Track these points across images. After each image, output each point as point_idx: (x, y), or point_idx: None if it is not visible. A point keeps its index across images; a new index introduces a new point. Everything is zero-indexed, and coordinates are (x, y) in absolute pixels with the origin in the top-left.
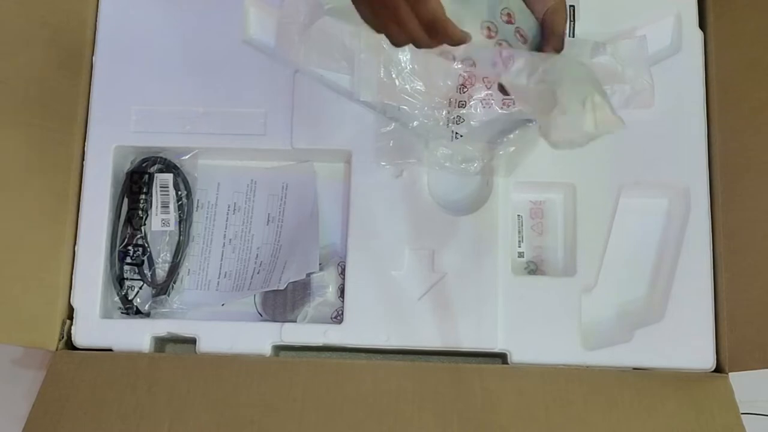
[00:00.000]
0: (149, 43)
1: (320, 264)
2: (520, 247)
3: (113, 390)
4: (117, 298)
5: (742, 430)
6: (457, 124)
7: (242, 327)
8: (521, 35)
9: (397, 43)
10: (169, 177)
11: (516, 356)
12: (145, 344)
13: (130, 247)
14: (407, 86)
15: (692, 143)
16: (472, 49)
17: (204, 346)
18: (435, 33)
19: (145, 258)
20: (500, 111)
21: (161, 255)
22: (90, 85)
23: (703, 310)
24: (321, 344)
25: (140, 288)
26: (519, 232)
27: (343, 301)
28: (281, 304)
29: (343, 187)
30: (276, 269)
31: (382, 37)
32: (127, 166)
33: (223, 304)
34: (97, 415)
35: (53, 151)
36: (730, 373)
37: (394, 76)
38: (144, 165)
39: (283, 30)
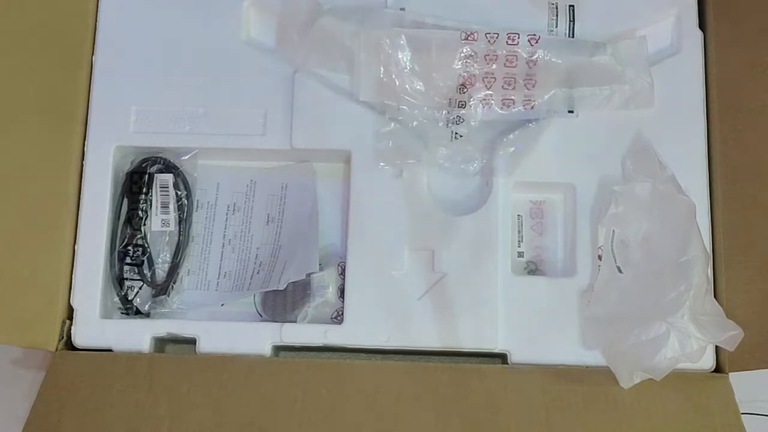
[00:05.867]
0: (149, 43)
1: (320, 264)
2: (519, 247)
3: (113, 390)
4: (117, 299)
5: (742, 430)
6: (457, 124)
7: (242, 327)
8: None
9: None
10: (169, 177)
11: (516, 356)
12: (145, 344)
13: (129, 248)
14: (407, 86)
15: (692, 143)
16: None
17: (204, 346)
18: None
19: (144, 258)
20: (500, 111)
21: (161, 255)
22: (90, 85)
23: None
24: (321, 344)
25: (140, 288)
26: (519, 232)
27: (343, 302)
28: (281, 304)
29: (343, 187)
30: (276, 269)
31: (383, 36)
32: (127, 167)
33: (222, 305)
34: (97, 415)
35: (53, 151)
36: (730, 373)
37: (394, 76)
38: (144, 165)
39: (283, 30)
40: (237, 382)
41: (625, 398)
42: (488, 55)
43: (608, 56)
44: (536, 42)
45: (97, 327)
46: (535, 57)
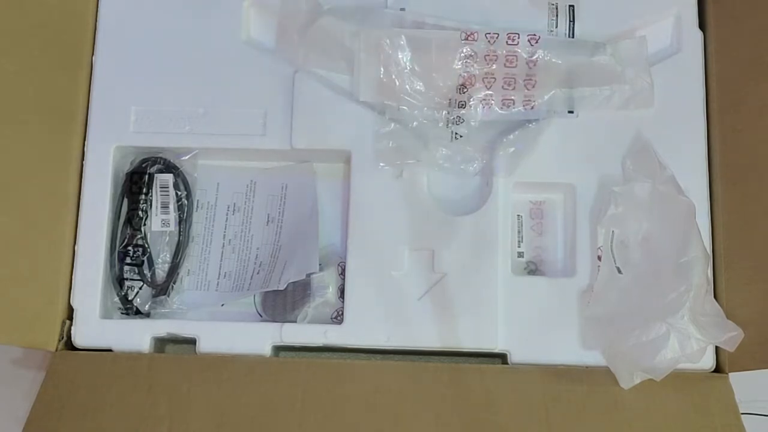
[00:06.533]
0: (149, 43)
1: (320, 264)
2: (519, 247)
3: (113, 390)
4: (117, 299)
5: (742, 430)
6: (457, 124)
7: (242, 327)
8: None
9: None
10: (169, 177)
11: (516, 356)
12: (144, 344)
13: (129, 248)
14: (407, 86)
15: (692, 143)
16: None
17: (204, 346)
18: None
19: (144, 258)
20: (500, 111)
21: (161, 255)
22: (90, 85)
23: None
24: (321, 344)
25: (140, 288)
26: (519, 232)
27: (343, 302)
28: (281, 304)
29: (343, 187)
30: (276, 269)
31: (383, 36)
32: (127, 167)
33: (222, 305)
34: (97, 415)
35: (53, 151)
36: (730, 373)
37: (394, 76)
38: (144, 165)
39: (283, 30)
40: (237, 382)
41: (625, 398)
42: (488, 55)
43: (608, 56)
44: (536, 42)
45: (97, 327)
46: (535, 57)
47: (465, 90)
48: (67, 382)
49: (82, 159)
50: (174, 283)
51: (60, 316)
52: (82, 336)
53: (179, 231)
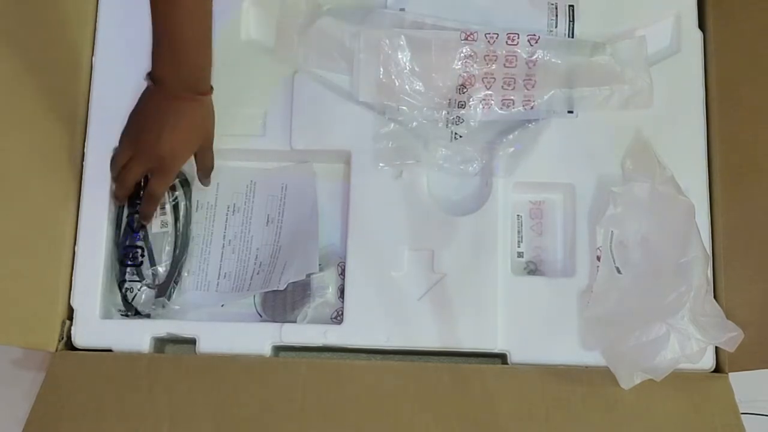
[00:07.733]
0: (149, 43)
1: (320, 265)
2: (519, 247)
3: (113, 390)
4: (117, 299)
5: (742, 430)
6: (457, 124)
7: (242, 327)
8: None
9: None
10: None
11: (516, 356)
12: (144, 345)
13: (129, 249)
14: (407, 86)
15: (692, 143)
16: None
17: (204, 346)
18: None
19: (145, 259)
20: (500, 111)
21: (161, 256)
22: (90, 85)
23: None
24: (321, 345)
25: (140, 289)
26: (518, 232)
27: (343, 302)
28: (281, 304)
29: (343, 187)
30: (275, 270)
31: (382, 36)
32: None
33: (222, 305)
34: (97, 415)
35: (53, 151)
36: (730, 373)
37: (393, 76)
38: None
39: (283, 30)
40: (237, 382)
41: (625, 398)
42: (488, 55)
43: (608, 56)
44: (536, 42)
45: (97, 327)
46: (534, 57)
47: (465, 90)
48: (67, 383)
49: (82, 159)
50: (174, 283)
51: (60, 317)
52: (82, 336)
53: (179, 232)
